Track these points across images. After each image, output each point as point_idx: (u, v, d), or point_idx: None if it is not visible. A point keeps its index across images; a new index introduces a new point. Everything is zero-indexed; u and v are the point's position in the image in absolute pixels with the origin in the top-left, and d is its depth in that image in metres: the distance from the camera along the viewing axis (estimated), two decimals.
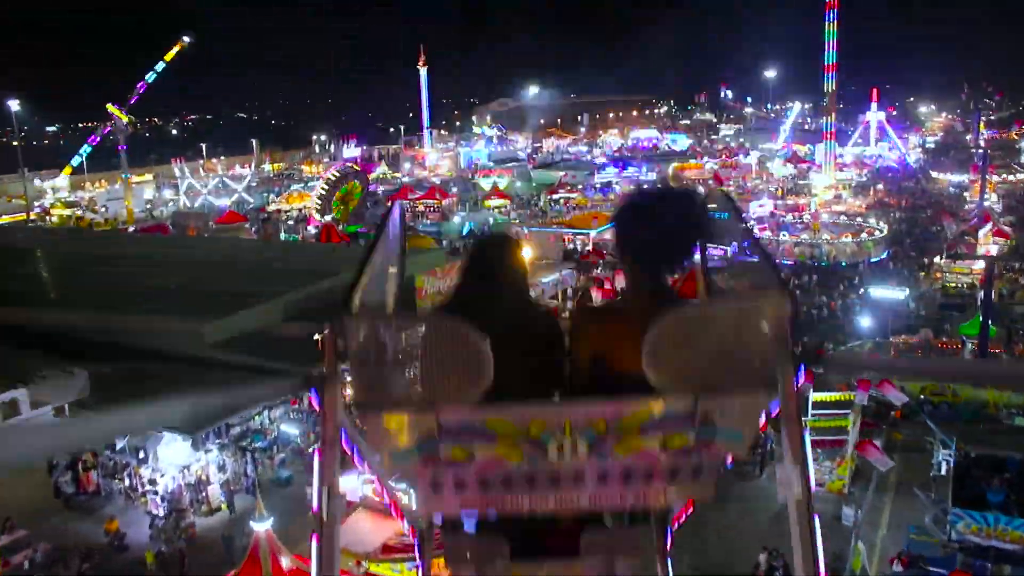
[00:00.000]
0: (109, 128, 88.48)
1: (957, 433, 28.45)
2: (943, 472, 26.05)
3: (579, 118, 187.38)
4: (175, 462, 27.99)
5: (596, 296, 38.75)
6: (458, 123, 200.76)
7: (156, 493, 26.71)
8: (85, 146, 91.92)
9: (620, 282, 40.34)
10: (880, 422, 32.77)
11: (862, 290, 48.29)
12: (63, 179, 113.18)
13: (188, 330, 35.26)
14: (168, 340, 35.49)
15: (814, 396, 29.36)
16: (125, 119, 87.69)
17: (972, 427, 31.92)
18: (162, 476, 27.20)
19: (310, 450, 31.10)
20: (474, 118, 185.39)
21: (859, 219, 69.17)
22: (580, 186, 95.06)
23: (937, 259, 54.33)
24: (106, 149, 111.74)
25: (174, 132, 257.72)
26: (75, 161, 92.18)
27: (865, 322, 42.26)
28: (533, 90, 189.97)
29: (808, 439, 3.09)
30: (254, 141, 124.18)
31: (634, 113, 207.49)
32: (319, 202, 74.37)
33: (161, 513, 26.79)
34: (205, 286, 42.09)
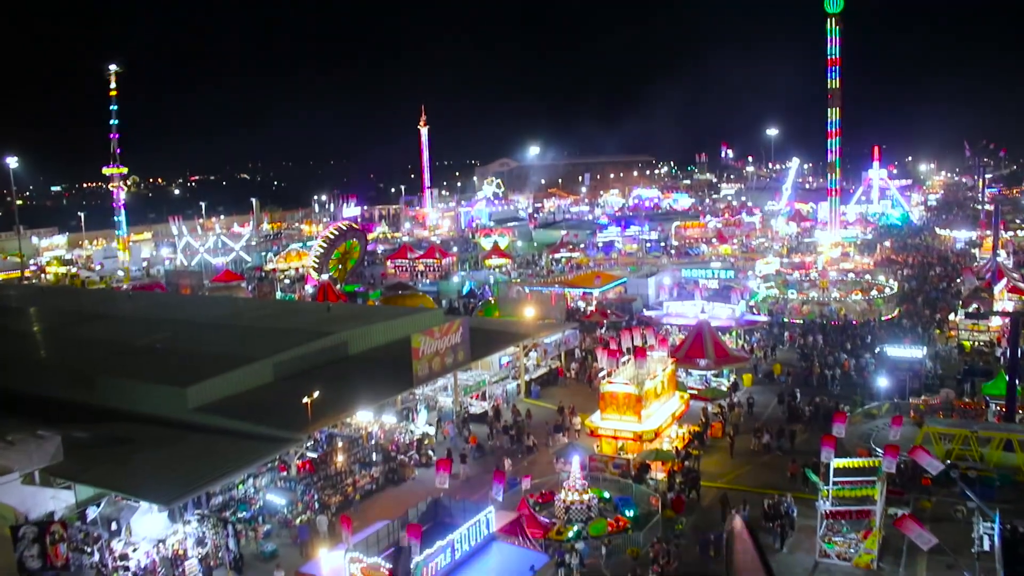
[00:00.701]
0: (121, 188, 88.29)
1: (993, 502, 26.49)
2: (987, 548, 23.94)
3: (580, 178, 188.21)
4: (150, 535, 25.95)
5: (602, 357, 36.95)
6: (459, 184, 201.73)
7: (128, 569, 24.59)
8: (117, 217, 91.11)
9: (626, 342, 38.65)
10: (906, 490, 30.73)
11: (877, 349, 46.54)
12: (61, 237, 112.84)
13: (170, 393, 33.77)
14: (150, 403, 33.84)
15: (836, 463, 27.49)
16: (125, 170, 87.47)
17: (1005, 491, 29.96)
18: (135, 550, 25.12)
19: (297, 521, 29.06)
20: (475, 179, 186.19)
21: (867, 276, 67.77)
22: (582, 245, 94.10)
23: (952, 316, 52.73)
24: (105, 208, 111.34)
25: (176, 192, 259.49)
26: (121, 231, 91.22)
27: (883, 382, 40.41)
28: (534, 150, 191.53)
29: None
30: (254, 200, 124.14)
31: (635, 173, 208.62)
32: (316, 261, 73.20)
33: None
34: (193, 346, 40.53)
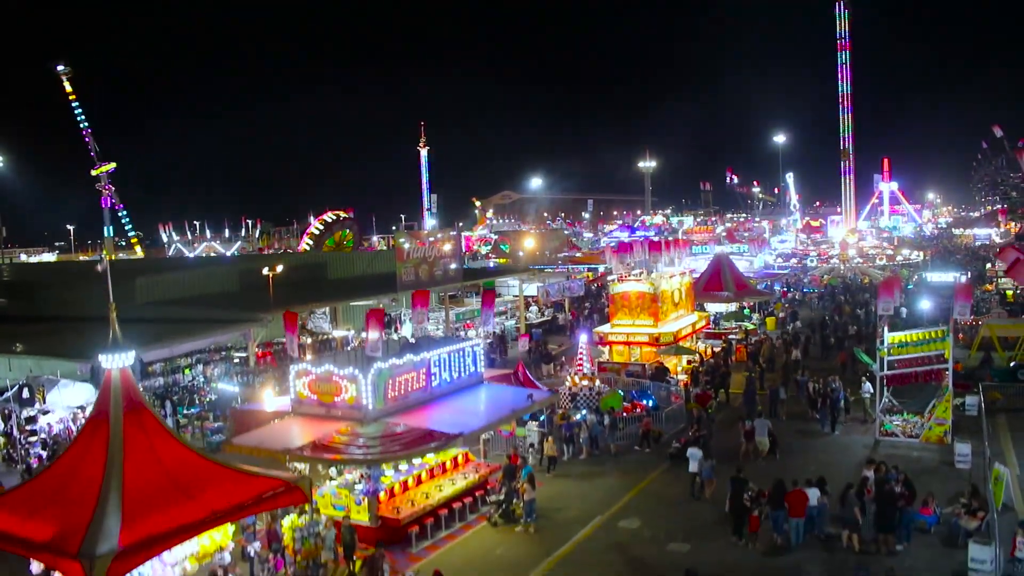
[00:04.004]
0: (110, 184, 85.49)
1: None
2: None
3: (583, 212, 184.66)
4: (70, 403, 21.51)
5: (610, 257, 32.71)
6: (460, 225, 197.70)
7: (35, 434, 20.08)
8: (105, 224, 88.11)
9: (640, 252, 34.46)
10: (971, 383, 26.17)
11: (915, 276, 42.32)
12: (50, 255, 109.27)
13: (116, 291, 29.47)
14: (95, 306, 29.67)
15: (891, 336, 23.11)
16: (112, 165, 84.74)
17: None
18: (46, 414, 20.66)
19: None
20: (476, 213, 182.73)
21: (889, 252, 63.71)
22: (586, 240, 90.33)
23: (988, 265, 48.56)
24: (96, 228, 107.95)
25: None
26: (108, 233, 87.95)
27: (925, 304, 36.05)
28: (536, 182, 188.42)
29: None
30: (248, 221, 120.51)
31: (638, 212, 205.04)
32: (311, 241, 69.22)
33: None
34: (153, 270, 36.57)
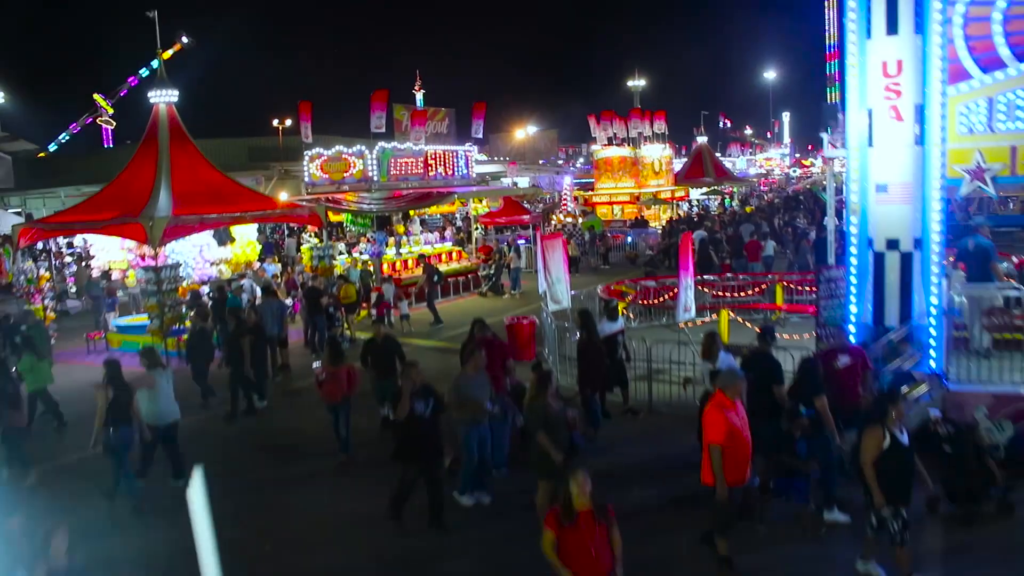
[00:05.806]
0: (91, 119, 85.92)
1: None
2: None
3: (579, 158, 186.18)
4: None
5: (594, 128, 34.80)
6: None
7: (72, 245, 22.47)
8: (64, 134, 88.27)
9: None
10: None
11: None
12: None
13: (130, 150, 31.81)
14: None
15: None
16: (110, 110, 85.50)
17: None
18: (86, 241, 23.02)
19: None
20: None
21: None
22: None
23: None
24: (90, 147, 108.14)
25: None
26: (51, 147, 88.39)
27: None
28: (532, 129, 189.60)
29: None
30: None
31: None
32: None
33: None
34: None
